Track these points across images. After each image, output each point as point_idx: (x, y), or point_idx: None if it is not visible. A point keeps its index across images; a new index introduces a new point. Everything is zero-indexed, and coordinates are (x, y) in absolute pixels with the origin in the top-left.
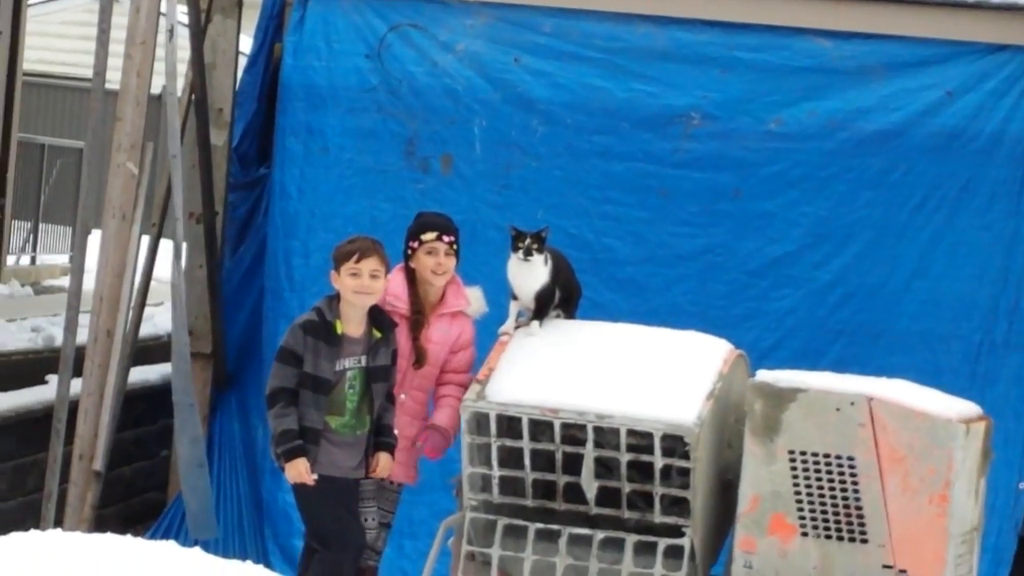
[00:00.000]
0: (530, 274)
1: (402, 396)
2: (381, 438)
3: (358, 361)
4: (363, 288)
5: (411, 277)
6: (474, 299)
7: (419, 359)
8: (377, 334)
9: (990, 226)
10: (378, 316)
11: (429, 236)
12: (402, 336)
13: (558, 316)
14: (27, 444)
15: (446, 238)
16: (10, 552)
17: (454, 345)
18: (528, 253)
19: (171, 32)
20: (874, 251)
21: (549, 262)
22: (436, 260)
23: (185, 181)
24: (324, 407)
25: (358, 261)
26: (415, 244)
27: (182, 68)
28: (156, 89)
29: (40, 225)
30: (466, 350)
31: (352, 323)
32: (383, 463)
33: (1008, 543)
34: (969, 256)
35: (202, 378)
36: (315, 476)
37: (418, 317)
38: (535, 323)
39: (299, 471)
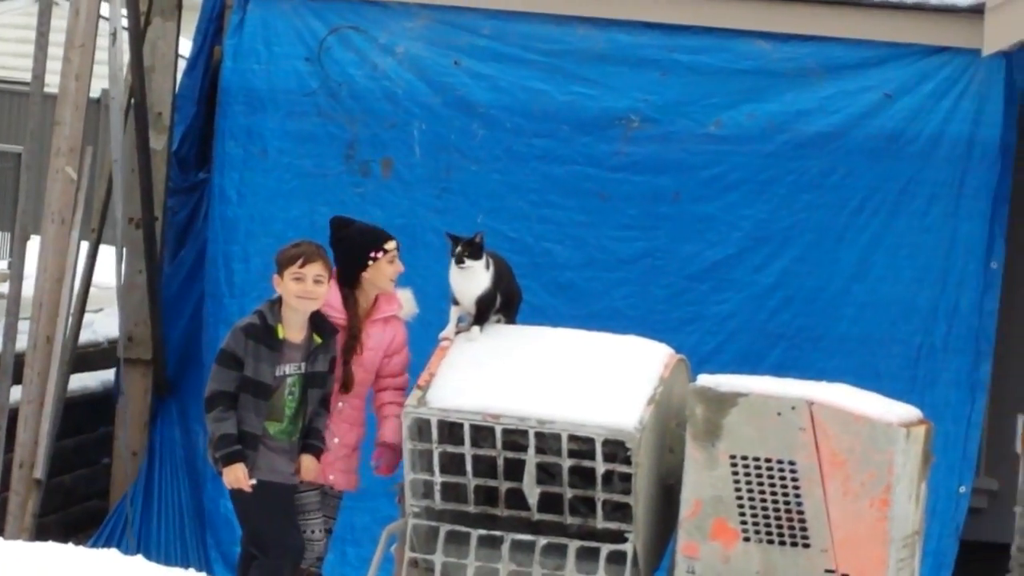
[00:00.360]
0: (470, 280)
1: (340, 404)
2: (309, 440)
3: (298, 367)
4: (306, 293)
5: (350, 286)
6: (405, 301)
7: (346, 385)
8: (318, 340)
9: (929, 228)
10: (319, 322)
11: (392, 245)
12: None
13: (499, 321)
14: None
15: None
16: None
17: (388, 348)
18: (460, 260)
19: (114, 35)
20: (814, 254)
21: (491, 267)
22: (395, 268)
23: (124, 185)
24: (264, 412)
25: (302, 266)
26: (378, 254)
27: (122, 72)
28: (95, 93)
29: None
30: (400, 353)
31: (293, 328)
32: (307, 465)
33: (949, 547)
34: (909, 259)
35: (142, 385)
36: (253, 481)
37: (352, 343)
38: (475, 328)
39: (237, 476)
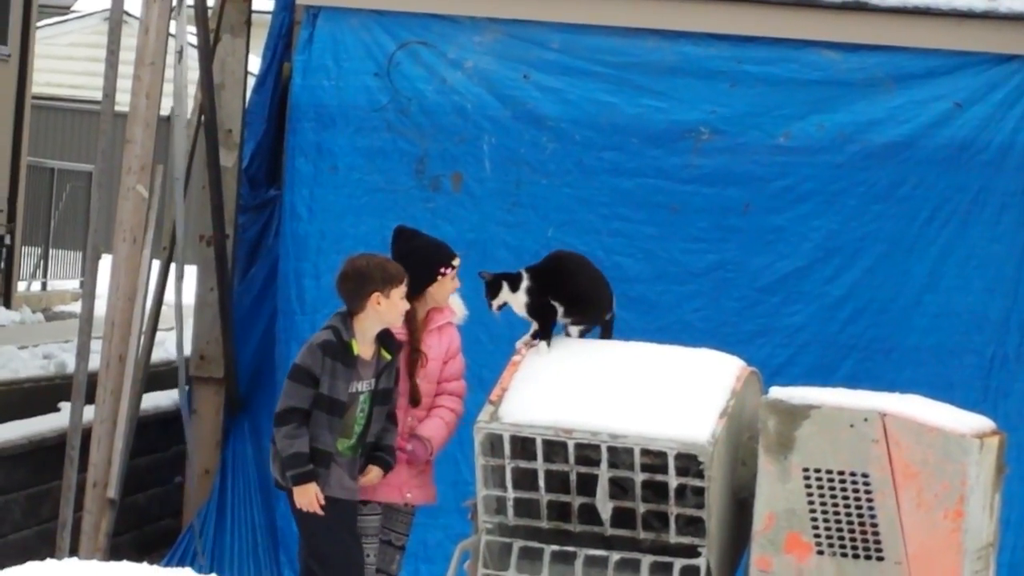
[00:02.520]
0: (513, 308)
1: (409, 419)
2: (379, 454)
3: (369, 384)
4: (405, 311)
5: (412, 299)
6: (456, 308)
7: (415, 399)
8: (387, 356)
9: (1000, 238)
10: (386, 338)
11: (457, 262)
12: (400, 367)
13: (576, 322)
14: (41, 472)
15: None
16: None
17: (445, 355)
18: (490, 307)
19: (180, 53)
20: (885, 265)
21: (525, 281)
22: (455, 284)
23: (195, 203)
24: (337, 429)
25: (403, 282)
26: (447, 270)
27: (191, 89)
28: (166, 111)
29: (50, 251)
30: (455, 359)
31: (366, 344)
32: (373, 475)
33: None
34: (980, 269)
35: (214, 403)
36: (323, 502)
37: (416, 356)
38: (543, 343)
39: (310, 498)
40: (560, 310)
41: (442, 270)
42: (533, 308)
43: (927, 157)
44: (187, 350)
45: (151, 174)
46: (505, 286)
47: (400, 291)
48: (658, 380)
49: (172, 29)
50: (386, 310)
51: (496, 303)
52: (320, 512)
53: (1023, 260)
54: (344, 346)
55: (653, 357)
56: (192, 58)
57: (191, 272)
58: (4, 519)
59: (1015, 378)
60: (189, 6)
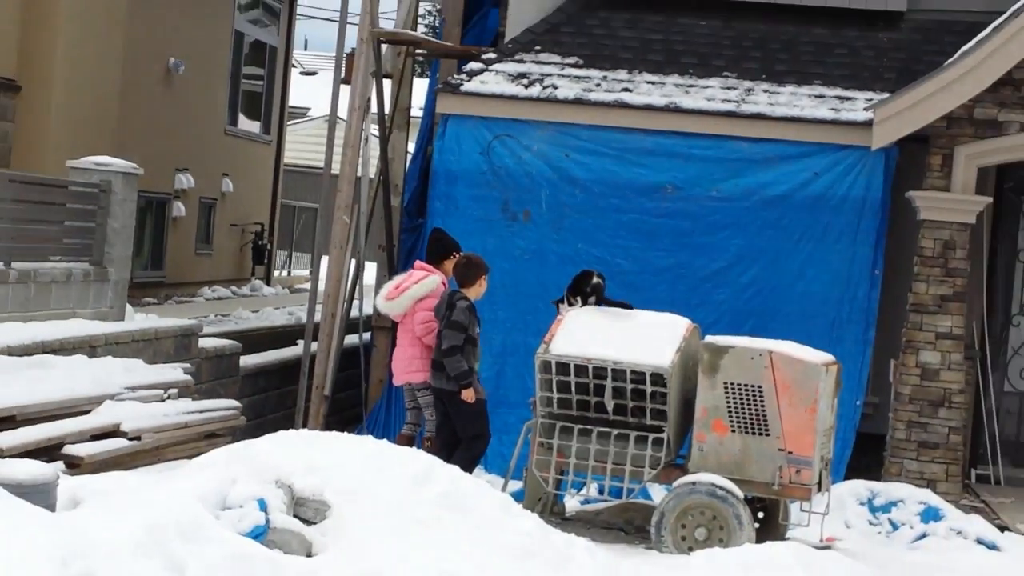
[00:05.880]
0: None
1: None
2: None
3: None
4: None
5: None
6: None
7: None
8: None
9: (839, 252)
10: None
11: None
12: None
13: (591, 302)
14: (287, 380)
15: None
16: (281, 439)
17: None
18: (571, 304)
19: (366, 140)
20: (772, 266)
21: (568, 303)
22: (485, 285)
23: (376, 226)
24: (476, 356)
25: (487, 273)
26: (486, 276)
27: (374, 161)
28: (359, 173)
29: (292, 252)
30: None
31: None
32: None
33: (850, 437)
34: (826, 269)
35: (384, 341)
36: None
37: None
38: (572, 311)
39: (475, 391)
40: (577, 301)
41: (485, 275)
42: (583, 303)
43: (797, 204)
44: (368, 310)
45: (350, 210)
46: (562, 307)
47: (485, 279)
48: (641, 331)
49: (364, 127)
50: (483, 287)
51: (563, 309)
52: (476, 401)
53: (851, 264)
54: (474, 308)
55: (638, 318)
56: (374, 144)
57: (371, 267)
58: (264, 406)
59: (847, 332)
60: (373, 113)
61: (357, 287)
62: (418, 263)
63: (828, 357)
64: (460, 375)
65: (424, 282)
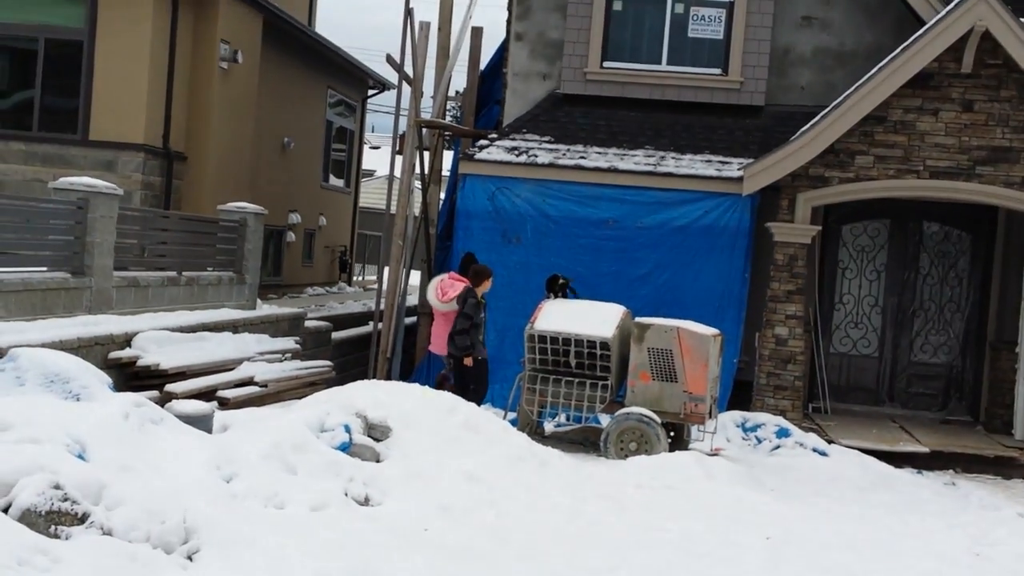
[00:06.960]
0: (549, 296)
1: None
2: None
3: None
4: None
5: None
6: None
7: None
8: (483, 303)
9: (721, 262)
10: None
11: (491, 277)
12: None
13: (562, 295)
14: (362, 348)
15: None
16: (359, 386)
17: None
18: (549, 296)
19: (412, 192)
20: (678, 272)
21: (556, 295)
22: (488, 285)
23: (420, 247)
24: (481, 333)
25: (490, 278)
26: (489, 279)
27: (418, 204)
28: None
29: (365, 265)
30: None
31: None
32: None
33: (729, 383)
34: (714, 273)
35: (427, 321)
36: (478, 359)
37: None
38: (550, 301)
39: (469, 360)
40: (552, 295)
41: (487, 280)
42: (555, 295)
43: (694, 231)
44: (411, 301)
45: (403, 236)
46: (554, 294)
47: (489, 281)
48: (592, 313)
49: (411, 182)
50: (487, 287)
51: (551, 295)
52: (474, 363)
53: (730, 269)
54: (481, 301)
55: (592, 306)
56: (417, 194)
57: (416, 274)
58: (347, 365)
59: (726, 314)
60: (417, 173)
61: (407, 287)
62: (453, 274)
63: (715, 331)
64: (463, 348)
65: (462, 292)
